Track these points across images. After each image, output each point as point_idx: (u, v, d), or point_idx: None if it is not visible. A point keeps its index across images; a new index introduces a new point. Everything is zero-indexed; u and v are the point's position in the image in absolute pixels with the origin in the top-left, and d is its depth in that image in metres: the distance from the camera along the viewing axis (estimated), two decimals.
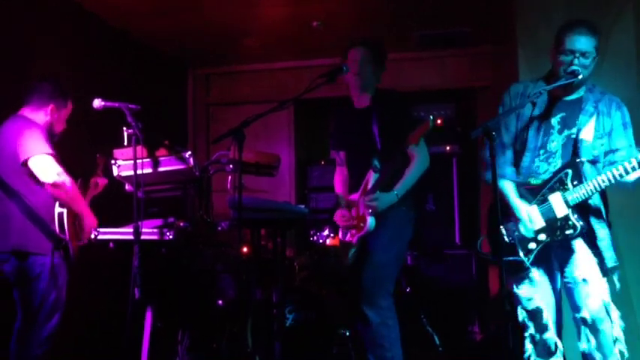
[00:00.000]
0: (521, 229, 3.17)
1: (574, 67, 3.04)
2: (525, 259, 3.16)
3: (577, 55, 3.05)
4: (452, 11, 5.55)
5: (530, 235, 3.15)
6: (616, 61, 4.11)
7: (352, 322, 4.34)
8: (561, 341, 3.29)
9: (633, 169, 2.99)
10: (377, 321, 3.56)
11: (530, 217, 3.14)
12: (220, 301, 4.63)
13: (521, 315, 3.25)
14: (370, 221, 3.62)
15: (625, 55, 4.19)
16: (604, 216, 3.19)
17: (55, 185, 3.54)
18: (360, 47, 3.83)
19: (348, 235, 3.80)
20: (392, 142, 3.60)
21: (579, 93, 3.19)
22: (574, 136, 3.15)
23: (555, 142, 3.18)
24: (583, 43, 3.05)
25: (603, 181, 3.03)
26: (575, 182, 3.09)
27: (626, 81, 4.13)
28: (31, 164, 3.54)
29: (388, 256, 3.64)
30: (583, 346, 3.12)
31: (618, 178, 3.01)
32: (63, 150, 3.82)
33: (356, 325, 3.82)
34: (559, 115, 3.18)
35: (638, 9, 4.24)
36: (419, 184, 3.71)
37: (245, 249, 4.52)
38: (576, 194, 3.07)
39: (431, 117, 3.40)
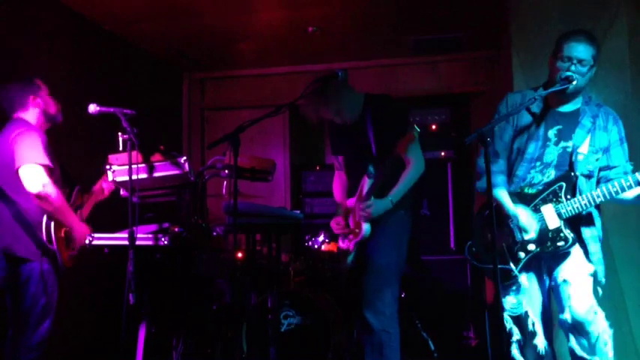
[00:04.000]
0: (521, 235, 3.16)
1: (568, 74, 3.05)
2: (513, 268, 3.16)
3: (574, 61, 3.06)
4: (447, 16, 5.56)
5: (535, 236, 3.14)
6: (609, 67, 4.13)
7: (351, 327, 4.34)
8: (553, 345, 3.29)
9: (629, 187, 3.01)
10: (378, 328, 3.53)
11: (530, 223, 3.14)
12: (215, 306, 4.63)
13: (507, 322, 3.23)
14: (365, 228, 3.61)
15: (618, 60, 4.21)
16: (597, 230, 3.20)
17: (39, 196, 3.52)
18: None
19: (346, 241, 3.79)
20: (386, 147, 3.59)
21: (576, 104, 3.19)
22: (570, 149, 3.16)
23: (551, 154, 3.19)
24: (580, 50, 3.06)
25: (598, 197, 3.05)
26: (568, 196, 3.11)
27: (618, 86, 4.16)
28: (20, 172, 3.53)
29: (388, 261, 3.61)
30: (572, 346, 3.12)
31: (614, 194, 3.03)
32: (58, 155, 3.82)
33: (357, 331, 3.81)
34: (555, 128, 3.19)
35: (631, 15, 4.26)
36: (415, 188, 3.71)
37: (240, 254, 4.52)
38: (569, 207, 3.09)
39: (416, 128, 3.36)
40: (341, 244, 3.83)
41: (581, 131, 3.15)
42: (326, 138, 7.12)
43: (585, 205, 3.07)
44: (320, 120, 3.77)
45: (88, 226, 3.76)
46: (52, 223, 3.62)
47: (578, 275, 3.11)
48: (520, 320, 3.23)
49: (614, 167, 3.17)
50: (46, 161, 3.57)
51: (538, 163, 3.20)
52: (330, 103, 3.68)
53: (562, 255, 3.15)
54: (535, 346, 3.21)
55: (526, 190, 3.21)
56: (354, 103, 3.75)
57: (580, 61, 3.06)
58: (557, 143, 3.18)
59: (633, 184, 3.00)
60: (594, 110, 3.18)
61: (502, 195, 3.21)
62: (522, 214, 3.16)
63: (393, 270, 3.63)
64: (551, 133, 3.19)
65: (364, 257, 3.66)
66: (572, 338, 3.12)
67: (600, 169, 3.19)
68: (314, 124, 3.77)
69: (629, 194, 3.06)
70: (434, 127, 6.48)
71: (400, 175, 3.65)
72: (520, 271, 3.17)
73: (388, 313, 3.56)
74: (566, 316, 3.09)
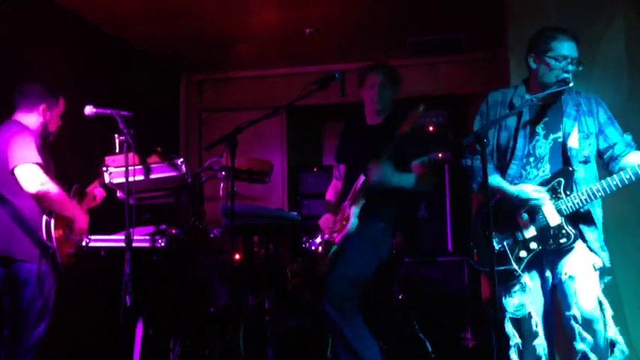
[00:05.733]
0: (522, 234, 3.14)
1: (565, 75, 3.07)
2: (516, 268, 3.15)
3: (569, 60, 3.09)
4: (445, 18, 5.57)
5: (545, 193, 3.11)
6: (607, 68, 4.13)
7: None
8: (554, 346, 3.28)
9: (629, 179, 2.99)
10: (340, 321, 3.60)
11: (535, 189, 3.11)
12: (213, 308, 4.62)
13: (508, 325, 3.21)
14: (353, 221, 3.64)
15: (615, 62, 4.21)
16: (595, 220, 3.18)
17: (37, 195, 3.51)
18: (378, 72, 3.89)
19: (333, 236, 3.83)
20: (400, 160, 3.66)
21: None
22: (560, 139, 3.17)
23: (542, 148, 3.19)
24: (574, 49, 3.10)
25: (598, 191, 3.03)
26: (567, 191, 3.09)
27: (616, 88, 4.15)
28: (16, 173, 3.52)
29: (359, 264, 3.68)
30: (580, 346, 3.06)
31: (614, 188, 3.01)
32: (55, 157, 3.81)
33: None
34: (542, 121, 3.20)
35: (628, 16, 4.26)
36: (401, 204, 3.76)
37: (237, 256, 4.52)
38: (570, 203, 3.07)
39: (421, 106, 3.47)
40: (326, 237, 3.87)
41: (569, 120, 3.16)
42: (325, 141, 7.15)
43: (585, 200, 3.05)
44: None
45: (87, 217, 3.76)
46: (52, 222, 3.62)
47: (583, 270, 3.08)
48: (522, 322, 3.20)
49: (615, 144, 3.17)
50: (40, 161, 3.56)
51: (532, 159, 3.20)
52: (385, 80, 3.87)
53: (565, 251, 3.13)
54: (535, 348, 3.18)
55: None
56: (388, 105, 3.90)
57: (573, 60, 3.10)
58: (546, 136, 3.19)
59: (633, 177, 2.98)
60: (576, 99, 3.20)
61: (497, 180, 3.19)
62: (526, 187, 3.13)
63: (360, 274, 3.70)
64: (539, 127, 3.20)
65: (339, 256, 3.71)
66: (578, 337, 3.08)
67: (601, 152, 3.19)
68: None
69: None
70: (431, 128, 6.48)
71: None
72: (523, 271, 3.16)
73: (347, 307, 3.62)
74: (574, 312, 3.05)
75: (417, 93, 6.61)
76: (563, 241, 3.09)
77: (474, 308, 5.71)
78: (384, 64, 3.97)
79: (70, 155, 4.57)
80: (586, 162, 3.16)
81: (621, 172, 3.01)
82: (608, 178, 3.03)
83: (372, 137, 3.82)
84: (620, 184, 3.01)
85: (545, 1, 4.38)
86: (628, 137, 3.19)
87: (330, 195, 4.09)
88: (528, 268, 3.18)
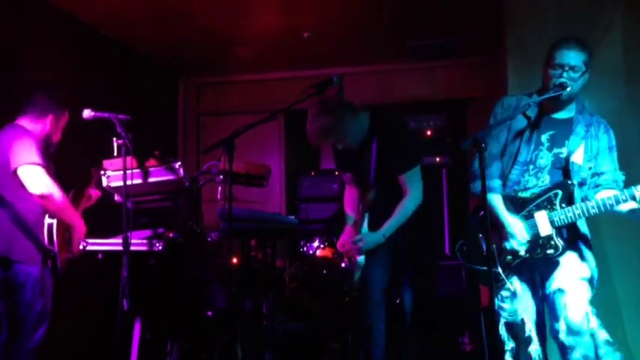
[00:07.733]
0: (513, 244, 3.16)
1: (562, 80, 3.06)
2: (501, 271, 3.16)
3: (566, 68, 3.07)
4: (443, 22, 5.58)
5: (524, 246, 3.14)
6: (604, 74, 4.12)
7: (347, 333, 4.34)
8: (546, 352, 3.28)
9: (624, 200, 3.01)
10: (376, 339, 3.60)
11: (521, 233, 3.14)
12: (210, 312, 4.61)
13: (502, 329, 3.22)
14: (359, 260, 3.62)
15: (613, 67, 4.21)
16: (589, 241, 3.21)
17: (42, 197, 3.53)
18: (313, 129, 3.68)
19: (346, 261, 3.78)
20: (386, 176, 3.58)
21: (570, 113, 3.20)
22: (563, 155, 3.17)
23: (544, 159, 3.19)
24: (571, 57, 3.08)
25: (592, 208, 3.04)
26: (563, 204, 3.10)
27: (613, 93, 4.16)
28: (20, 173, 3.53)
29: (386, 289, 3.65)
30: (572, 357, 3.08)
31: (609, 207, 3.03)
32: (54, 161, 3.81)
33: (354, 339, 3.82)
34: (548, 133, 3.19)
35: (626, 22, 4.27)
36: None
37: (235, 259, 4.51)
38: (563, 216, 3.09)
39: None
40: (343, 265, 3.83)
41: (576, 138, 3.16)
42: (323, 146, 7.13)
43: (579, 214, 3.07)
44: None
45: (85, 227, 3.76)
46: (54, 224, 3.61)
47: (573, 282, 3.10)
48: (515, 328, 3.21)
49: (602, 173, 3.18)
50: (43, 162, 3.56)
51: (532, 167, 3.20)
52: (330, 133, 3.65)
53: (554, 262, 3.14)
54: (530, 354, 3.19)
55: (520, 194, 3.21)
56: (356, 128, 3.68)
57: (572, 68, 3.07)
58: (550, 149, 3.19)
59: (628, 198, 3.00)
60: (588, 119, 3.20)
61: (495, 200, 3.20)
62: (516, 228, 3.15)
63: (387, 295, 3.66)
64: (544, 138, 3.19)
65: (373, 272, 3.66)
66: (569, 350, 3.08)
67: (591, 176, 3.20)
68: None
69: (623, 207, 3.06)
70: (429, 132, 6.48)
71: (396, 205, 3.61)
72: (509, 276, 3.17)
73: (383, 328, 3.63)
74: (561, 326, 3.07)
75: (414, 97, 6.64)
76: (550, 252, 3.11)
77: (471, 312, 5.70)
78: (314, 113, 3.66)
79: (68, 158, 4.55)
80: (581, 184, 3.17)
81: (618, 194, 3.03)
82: (605, 197, 3.05)
83: (364, 151, 3.69)
84: (615, 204, 3.02)
85: (544, 4, 4.39)
86: (621, 175, 3.20)
87: (348, 204, 3.95)
88: (519, 276, 3.20)
